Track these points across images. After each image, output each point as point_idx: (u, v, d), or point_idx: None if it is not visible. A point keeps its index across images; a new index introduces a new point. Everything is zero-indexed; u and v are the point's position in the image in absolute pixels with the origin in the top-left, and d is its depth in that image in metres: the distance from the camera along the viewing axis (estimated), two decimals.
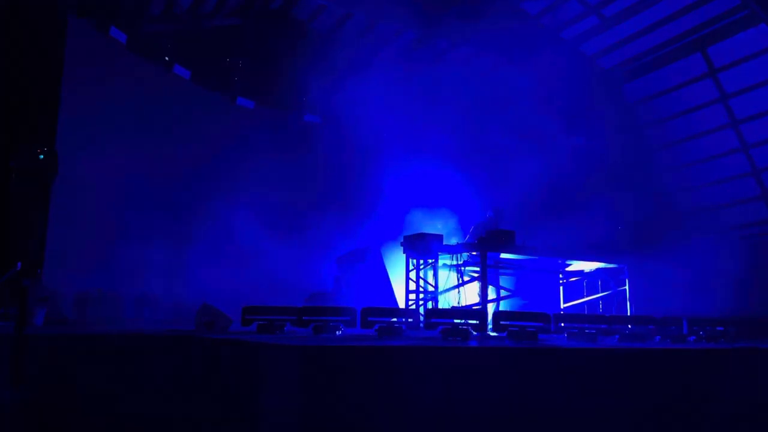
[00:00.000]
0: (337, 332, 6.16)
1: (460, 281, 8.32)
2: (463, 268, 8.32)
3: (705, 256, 10.76)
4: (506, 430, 4.12)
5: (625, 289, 8.92)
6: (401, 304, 8.46)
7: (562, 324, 6.48)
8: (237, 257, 10.36)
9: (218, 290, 8.57)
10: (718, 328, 7.19)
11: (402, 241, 8.13)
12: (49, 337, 5.32)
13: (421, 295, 8.17)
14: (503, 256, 7.98)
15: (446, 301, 8.41)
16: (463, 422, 4.03)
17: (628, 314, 8.60)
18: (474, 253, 7.70)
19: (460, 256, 8.18)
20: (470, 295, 8.51)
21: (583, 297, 9.42)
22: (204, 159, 10.58)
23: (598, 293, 9.31)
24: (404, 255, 8.22)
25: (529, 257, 8.27)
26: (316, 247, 9.91)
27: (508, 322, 6.11)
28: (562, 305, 9.67)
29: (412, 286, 8.20)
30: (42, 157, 4.99)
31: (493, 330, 6.11)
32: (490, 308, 7.71)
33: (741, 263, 10.66)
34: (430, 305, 7.88)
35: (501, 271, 8.74)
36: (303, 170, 11.37)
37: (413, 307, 7.91)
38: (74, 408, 4.67)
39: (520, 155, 10.94)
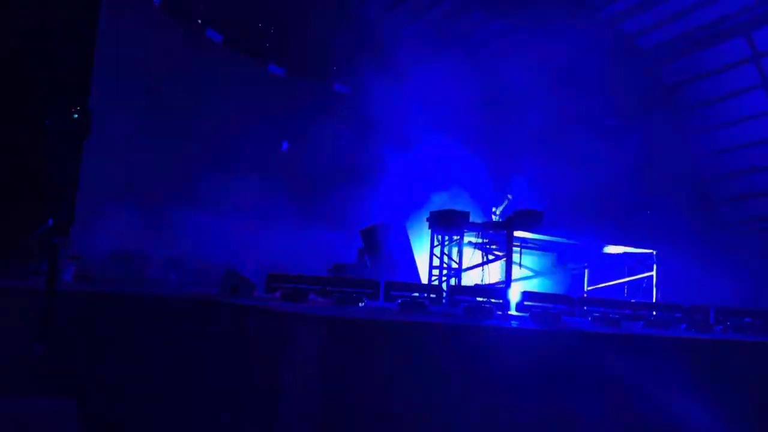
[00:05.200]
0: (360, 304, 6.17)
1: (485, 259, 8.26)
2: (488, 247, 8.25)
3: (737, 246, 10.52)
4: (525, 411, 4.11)
5: (652, 275, 8.79)
6: (423, 280, 8.44)
7: (586, 307, 6.41)
8: (262, 224, 10.42)
9: (243, 256, 8.63)
10: (745, 320, 7.04)
11: (428, 216, 8.08)
12: (77, 294, 5.41)
13: (445, 272, 8.14)
14: (530, 236, 7.89)
15: (469, 279, 8.37)
16: (483, 400, 4.03)
17: (654, 301, 8.47)
18: (502, 231, 7.63)
19: (486, 234, 8.12)
20: (493, 273, 8.46)
21: (608, 281, 9.30)
22: (233, 123, 10.58)
23: (624, 278, 9.19)
24: (429, 231, 8.17)
25: (556, 238, 8.17)
26: (340, 219, 9.90)
27: (531, 303, 6.07)
28: (586, 288, 9.58)
29: (436, 262, 8.17)
30: (76, 116, 5.01)
31: (516, 310, 6.06)
32: (514, 288, 7.66)
33: None
34: (453, 282, 7.86)
35: (526, 251, 8.66)
36: (331, 140, 11.30)
37: (436, 283, 7.88)
38: (97, 365, 4.77)
39: (554, 137, 10.72)
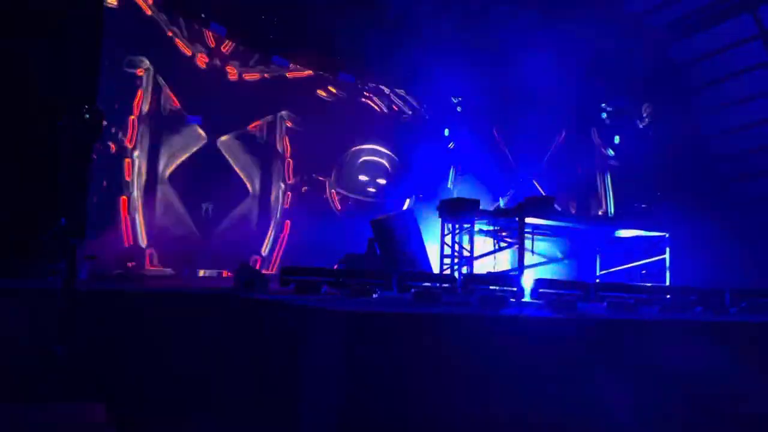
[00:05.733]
0: (373, 295, 6.18)
1: (496, 247, 8.26)
2: (499, 234, 8.25)
3: (749, 225, 10.46)
4: (544, 402, 4.12)
5: (665, 258, 8.76)
6: (435, 269, 8.45)
7: (601, 293, 6.39)
8: (271, 216, 10.49)
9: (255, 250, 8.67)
10: (761, 300, 7.01)
11: (438, 205, 8.07)
12: (94, 293, 5.45)
13: (456, 260, 8.14)
14: (542, 222, 7.87)
15: (481, 267, 8.37)
16: (503, 390, 4.03)
17: (667, 284, 8.46)
18: (513, 218, 7.61)
19: (497, 221, 8.11)
20: (504, 261, 8.46)
21: (622, 264, 9.28)
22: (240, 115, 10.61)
23: (638, 261, 9.16)
24: (440, 219, 8.17)
25: (568, 224, 8.15)
26: (350, 209, 9.91)
27: (546, 290, 6.06)
28: (599, 272, 9.56)
29: (447, 250, 8.17)
30: (87, 116, 5.02)
31: (531, 297, 6.06)
32: (527, 275, 7.66)
33: None
34: (465, 270, 7.87)
35: (539, 237, 8.64)
36: (339, 132, 11.30)
37: (448, 271, 7.89)
38: (118, 364, 4.81)
39: (561, 119, 10.65)
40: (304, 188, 10.85)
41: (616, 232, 9.03)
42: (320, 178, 11.08)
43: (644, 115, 13.20)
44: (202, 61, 10.30)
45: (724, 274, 8.66)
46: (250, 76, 10.79)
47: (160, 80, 9.62)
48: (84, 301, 5.05)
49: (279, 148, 10.91)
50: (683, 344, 4.76)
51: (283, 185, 10.77)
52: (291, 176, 10.84)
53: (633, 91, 12.61)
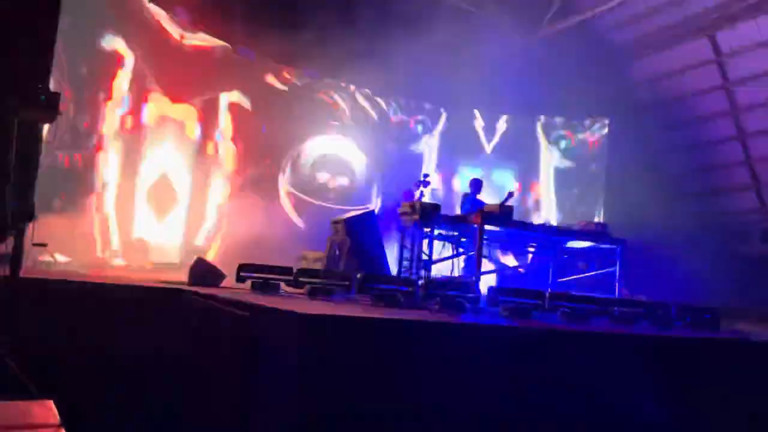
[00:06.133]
0: (332, 296, 6.14)
1: (455, 252, 8.32)
2: (458, 240, 8.32)
3: (696, 241, 10.85)
4: (498, 409, 4.16)
5: (616, 270, 8.98)
6: (393, 271, 8.45)
7: (556, 302, 6.51)
8: (227, 211, 10.29)
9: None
10: (705, 316, 7.27)
11: (399, 207, 8.09)
12: (41, 283, 5.23)
13: (416, 264, 8.17)
14: (500, 230, 7.97)
15: (438, 272, 8.43)
16: (458, 398, 4.05)
17: (617, 295, 8.68)
18: (473, 225, 7.68)
19: (456, 227, 8.17)
20: (462, 267, 8.53)
21: (574, 275, 9.48)
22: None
23: (590, 272, 9.37)
24: (400, 222, 8.18)
25: (526, 232, 8.29)
26: (311, 208, 9.84)
27: (503, 298, 6.13)
28: (551, 281, 9.73)
29: (406, 254, 8.19)
30: (43, 98, 4.82)
31: (488, 304, 6.13)
32: (484, 281, 7.74)
33: (731, 252, 10.77)
34: (424, 274, 7.90)
35: (496, 244, 8.75)
36: (302, 129, 11.19)
37: (406, 275, 7.91)
38: (61, 355, 4.63)
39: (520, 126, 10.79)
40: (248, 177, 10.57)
41: (569, 242, 9.22)
42: (273, 171, 10.89)
43: (590, 127, 13.57)
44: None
45: (674, 287, 8.94)
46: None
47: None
48: (29, 290, 4.85)
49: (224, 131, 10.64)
50: (629, 357, 4.89)
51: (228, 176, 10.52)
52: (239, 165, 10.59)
53: (590, 104, 12.92)
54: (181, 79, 9.92)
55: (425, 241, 8.04)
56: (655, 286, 9.36)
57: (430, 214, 7.64)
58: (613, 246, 8.96)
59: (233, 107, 10.75)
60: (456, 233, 8.33)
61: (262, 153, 10.94)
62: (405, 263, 8.06)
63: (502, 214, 7.77)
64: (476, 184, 9.27)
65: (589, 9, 12.36)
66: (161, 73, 9.68)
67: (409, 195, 8.56)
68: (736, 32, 12.08)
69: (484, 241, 7.77)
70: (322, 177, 11.30)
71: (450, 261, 8.49)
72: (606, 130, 13.90)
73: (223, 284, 6.80)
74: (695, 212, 12.71)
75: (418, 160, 12.49)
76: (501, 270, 9.20)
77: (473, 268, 7.84)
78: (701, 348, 5.49)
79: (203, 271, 6.90)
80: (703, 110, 13.49)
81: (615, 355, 4.84)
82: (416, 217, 7.65)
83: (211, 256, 9.07)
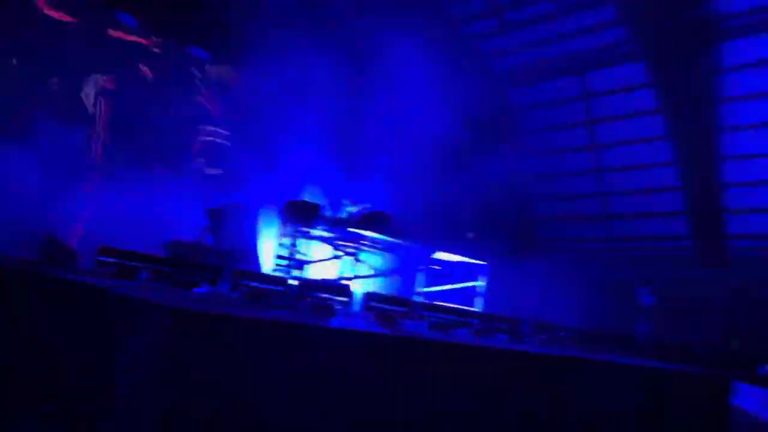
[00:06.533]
0: (197, 289, 5.87)
1: (331, 255, 8.30)
2: (335, 243, 8.30)
3: (555, 264, 11.67)
4: (360, 413, 4.19)
5: (479, 285, 9.45)
6: (265, 268, 8.27)
7: (423, 312, 6.70)
8: (97, 189, 9.53)
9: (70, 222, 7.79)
10: (559, 334, 7.83)
11: (281, 205, 7.93)
12: None
13: (291, 263, 8.05)
14: (376, 236, 8.07)
15: (314, 273, 8.37)
16: (322, 401, 4.03)
17: (479, 309, 9.13)
18: (353, 230, 7.71)
19: (334, 229, 8.16)
20: (337, 270, 8.53)
21: (441, 285, 9.84)
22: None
23: (457, 284, 9.78)
24: (278, 219, 8.03)
25: (402, 242, 8.46)
26: (187, 194, 9.33)
27: (374, 303, 6.21)
28: (421, 290, 10.01)
29: (282, 252, 8.04)
30: None
31: (359, 309, 6.17)
32: (357, 286, 7.80)
33: (585, 276, 11.68)
34: (298, 274, 7.80)
35: (370, 250, 8.85)
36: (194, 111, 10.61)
37: (280, 274, 7.77)
38: None
39: (404, 147, 11.01)
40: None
41: (439, 254, 9.56)
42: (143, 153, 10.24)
43: None
44: None
45: (531, 305, 9.54)
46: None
47: None
48: None
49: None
50: (489, 367, 5.13)
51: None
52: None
53: (475, 127, 13.48)
54: None
55: (305, 241, 7.95)
56: (515, 304, 9.92)
57: (310, 214, 7.57)
58: (481, 262, 9.43)
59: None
60: (335, 235, 8.33)
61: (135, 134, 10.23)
62: (280, 262, 7.91)
63: (380, 220, 7.88)
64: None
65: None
66: None
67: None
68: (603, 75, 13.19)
69: (363, 246, 7.85)
70: (200, 161, 10.79)
71: (327, 263, 8.47)
72: None
73: (81, 267, 6.27)
74: (556, 235, 13.68)
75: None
76: (377, 275, 9.32)
77: (350, 272, 7.88)
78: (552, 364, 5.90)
79: (54, 251, 6.32)
80: (567, 143, 14.59)
81: (470, 364, 5.05)
82: (296, 215, 7.53)
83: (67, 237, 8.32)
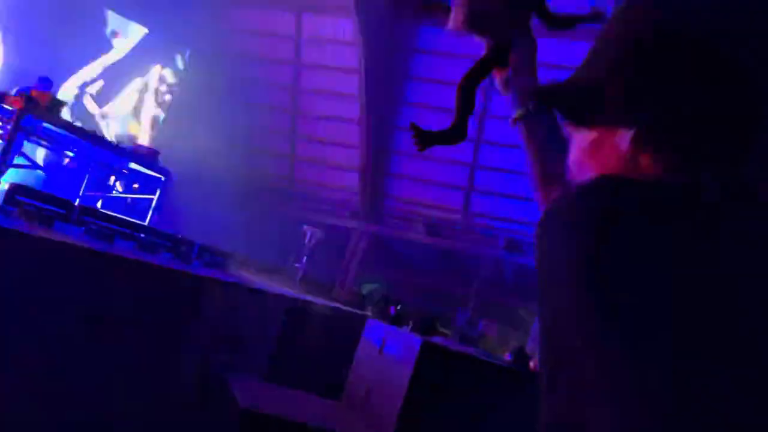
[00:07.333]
0: None
1: None
2: None
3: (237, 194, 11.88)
4: None
5: (153, 198, 9.06)
6: None
7: (84, 217, 6.22)
8: None
9: None
10: (218, 258, 8.02)
11: None
12: None
13: None
14: (47, 125, 7.12)
15: None
16: None
17: (147, 223, 8.78)
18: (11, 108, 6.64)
19: None
20: None
21: (110, 192, 9.20)
22: None
23: (128, 193, 9.25)
24: None
25: (71, 136, 7.61)
26: None
27: (24, 199, 5.53)
28: (82, 193, 9.17)
29: None
30: None
31: (3, 203, 5.42)
32: (8, 178, 6.79)
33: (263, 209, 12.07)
34: None
35: (37, 141, 7.75)
36: None
37: None
38: None
39: None
40: None
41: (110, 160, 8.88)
42: None
43: None
44: None
45: (206, 229, 9.29)
46: None
47: None
48: None
49: None
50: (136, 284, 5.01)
51: None
52: None
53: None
54: None
55: None
56: (190, 225, 9.74)
57: None
58: (159, 175, 9.03)
59: None
60: None
61: None
62: None
63: (52, 106, 6.96)
64: None
65: None
66: None
67: None
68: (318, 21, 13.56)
69: (24, 133, 6.81)
70: None
71: None
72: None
73: None
74: (239, 166, 13.70)
75: None
76: (34, 167, 8.20)
77: None
78: (206, 285, 6.07)
79: None
80: (273, 78, 14.72)
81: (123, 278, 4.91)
82: None
83: None
